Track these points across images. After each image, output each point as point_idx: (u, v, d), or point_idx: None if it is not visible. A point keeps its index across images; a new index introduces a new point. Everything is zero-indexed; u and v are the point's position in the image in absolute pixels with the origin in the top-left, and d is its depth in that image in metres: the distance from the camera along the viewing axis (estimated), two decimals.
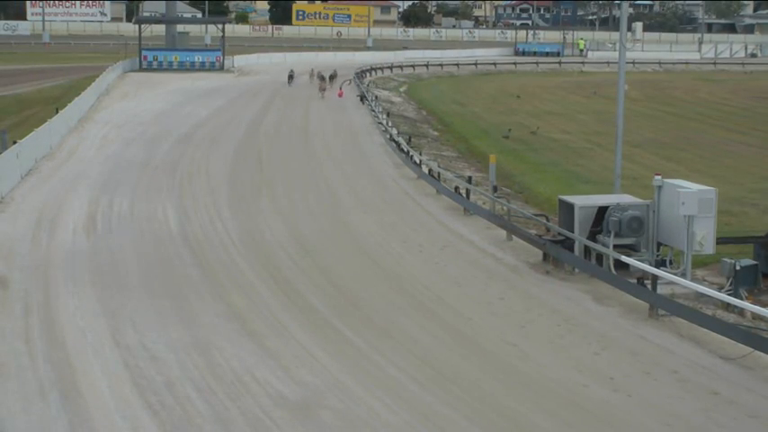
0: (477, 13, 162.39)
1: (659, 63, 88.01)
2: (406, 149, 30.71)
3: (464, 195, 23.78)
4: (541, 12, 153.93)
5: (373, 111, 41.79)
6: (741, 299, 16.12)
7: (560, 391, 12.40)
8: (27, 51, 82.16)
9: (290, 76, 56.89)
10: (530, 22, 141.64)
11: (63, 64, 68.05)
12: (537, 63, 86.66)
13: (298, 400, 11.91)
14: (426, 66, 79.00)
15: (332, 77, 53.75)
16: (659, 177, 18.05)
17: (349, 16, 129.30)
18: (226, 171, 27.94)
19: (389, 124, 37.21)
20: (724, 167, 32.39)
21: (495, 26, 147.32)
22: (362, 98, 47.06)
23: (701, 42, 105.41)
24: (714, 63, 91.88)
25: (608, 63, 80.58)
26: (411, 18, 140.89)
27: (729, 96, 61.94)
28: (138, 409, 11.58)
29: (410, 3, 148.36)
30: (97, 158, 29.62)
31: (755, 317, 15.24)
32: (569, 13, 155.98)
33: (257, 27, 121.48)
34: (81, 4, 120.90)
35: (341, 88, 46.67)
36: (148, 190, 24.73)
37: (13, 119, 37.89)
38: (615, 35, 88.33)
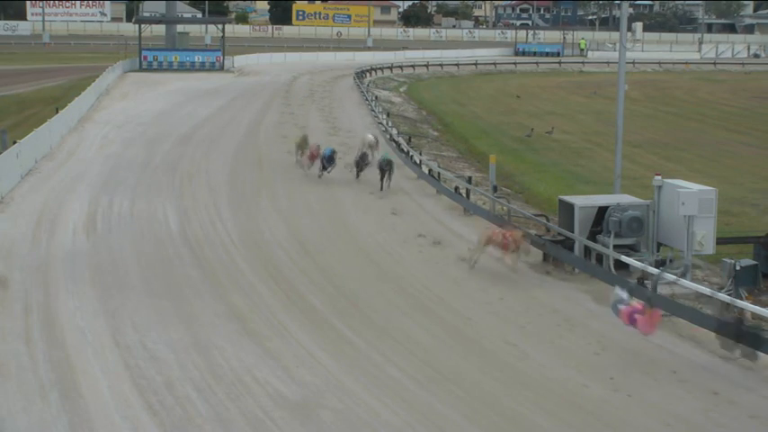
0: (477, 13, 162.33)
1: (659, 63, 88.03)
2: (406, 149, 30.72)
3: (464, 195, 23.78)
4: (541, 12, 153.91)
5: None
6: (741, 299, 16.12)
7: (560, 391, 12.41)
8: (27, 51, 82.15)
9: (308, 147, 27.28)
10: (530, 23, 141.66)
11: (63, 64, 68.02)
12: (537, 63, 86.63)
13: (298, 400, 11.92)
14: (426, 66, 78.96)
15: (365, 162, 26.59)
16: (659, 177, 18.06)
17: (349, 16, 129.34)
18: (226, 171, 27.94)
19: (389, 124, 37.22)
20: (724, 167, 32.38)
21: (495, 26, 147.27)
22: None
23: (701, 42, 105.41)
24: (714, 63, 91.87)
25: (608, 63, 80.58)
26: (411, 18, 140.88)
27: (729, 96, 61.92)
28: (138, 409, 11.58)
29: (410, 3, 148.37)
30: (97, 158, 29.61)
31: (755, 317, 15.23)
32: (569, 13, 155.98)
33: (257, 27, 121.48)
34: (81, 4, 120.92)
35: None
36: (148, 190, 24.73)
37: (13, 119, 37.88)
38: (615, 35, 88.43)
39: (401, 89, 62.96)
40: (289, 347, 13.69)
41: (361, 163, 26.41)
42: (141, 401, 11.77)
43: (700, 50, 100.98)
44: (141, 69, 61.74)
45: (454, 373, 12.89)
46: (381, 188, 25.13)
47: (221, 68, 64.10)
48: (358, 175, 26.31)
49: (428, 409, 11.76)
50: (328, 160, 26.19)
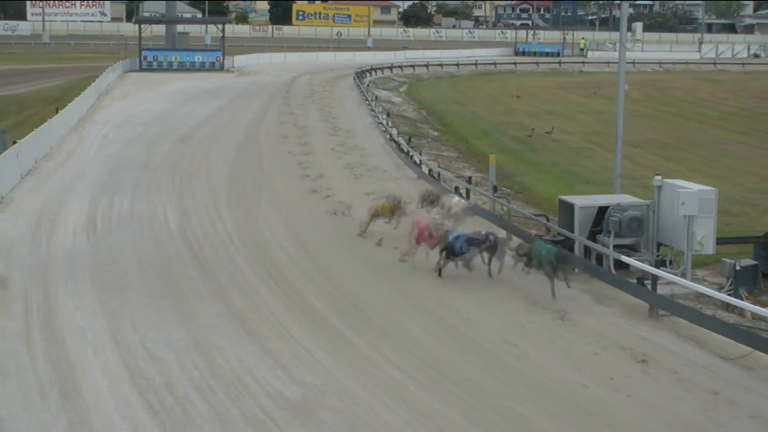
0: (477, 13, 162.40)
1: (659, 63, 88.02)
2: (406, 150, 30.73)
3: (464, 195, 23.76)
4: (541, 12, 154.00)
5: None
6: (741, 299, 16.14)
7: (560, 391, 12.40)
8: (27, 51, 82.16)
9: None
10: (530, 23, 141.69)
11: (63, 64, 68.04)
12: (537, 63, 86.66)
13: (298, 400, 11.91)
14: (426, 66, 78.98)
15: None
16: (659, 177, 18.07)
17: (349, 16, 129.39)
18: (226, 171, 27.92)
19: (389, 124, 37.22)
20: (724, 167, 32.41)
21: (495, 26, 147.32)
22: None
23: (701, 42, 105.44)
24: (714, 63, 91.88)
25: (608, 63, 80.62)
26: (411, 18, 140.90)
27: (729, 96, 61.95)
28: (138, 409, 11.58)
29: (410, 3, 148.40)
30: (97, 159, 29.60)
31: (755, 317, 15.25)
32: (569, 13, 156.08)
33: (257, 27, 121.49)
34: (81, 4, 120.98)
35: None
36: (148, 190, 24.72)
37: (13, 119, 37.88)
38: (615, 35, 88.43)
39: (401, 89, 62.98)
40: (289, 347, 13.68)
41: (472, 252, 16.80)
42: (141, 401, 11.77)
43: (700, 50, 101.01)
44: (141, 69, 61.74)
45: (454, 373, 12.88)
46: (553, 294, 15.89)
47: (221, 68, 64.11)
48: (440, 272, 16.88)
49: (428, 409, 11.75)
50: (459, 250, 16.67)
